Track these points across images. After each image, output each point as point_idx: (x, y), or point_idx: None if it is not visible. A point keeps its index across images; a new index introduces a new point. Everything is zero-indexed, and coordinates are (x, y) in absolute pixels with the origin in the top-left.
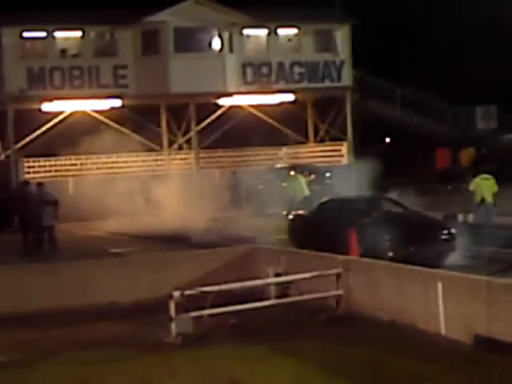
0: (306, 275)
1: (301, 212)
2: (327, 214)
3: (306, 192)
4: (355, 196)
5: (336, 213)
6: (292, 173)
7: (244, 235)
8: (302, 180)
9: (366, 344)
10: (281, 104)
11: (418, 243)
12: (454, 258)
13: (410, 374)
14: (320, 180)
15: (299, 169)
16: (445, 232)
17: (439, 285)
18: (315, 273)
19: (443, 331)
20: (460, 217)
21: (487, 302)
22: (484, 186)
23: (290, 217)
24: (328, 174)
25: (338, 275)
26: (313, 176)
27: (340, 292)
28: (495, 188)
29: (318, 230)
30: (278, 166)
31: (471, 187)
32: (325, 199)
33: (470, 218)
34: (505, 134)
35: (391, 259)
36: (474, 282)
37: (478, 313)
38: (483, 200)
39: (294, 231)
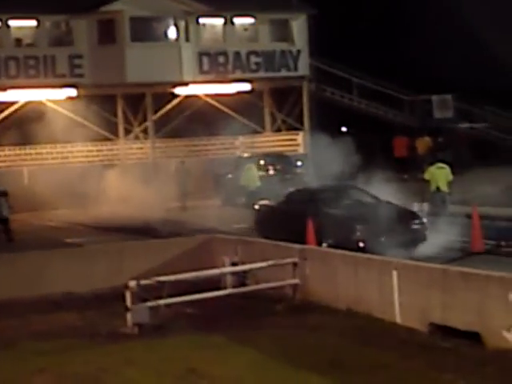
0: (263, 264)
1: (267, 202)
2: (294, 204)
3: (258, 183)
4: (323, 186)
5: (304, 203)
6: (248, 163)
7: (199, 225)
8: (255, 170)
9: (324, 333)
10: (237, 93)
11: (389, 233)
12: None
13: (368, 361)
14: (290, 170)
15: (267, 158)
16: (416, 221)
17: (394, 273)
18: (271, 262)
19: (399, 319)
20: (416, 206)
21: (442, 291)
22: (439, 175)
23: (256, 207)
24: (299, 163)
25: (295, 264)
26: (271, 167)
27: (296, 281)
28: (450, 177)
29: (285, 220)
30: (245, 155)
31: (426, 176)
32: (291, 189)
33: (426, 206)
34: (460, 123)
35: (362, 249)
36: (430, 271)
37: (433, 301)
38: (438, 189)
39: (260, 222)
